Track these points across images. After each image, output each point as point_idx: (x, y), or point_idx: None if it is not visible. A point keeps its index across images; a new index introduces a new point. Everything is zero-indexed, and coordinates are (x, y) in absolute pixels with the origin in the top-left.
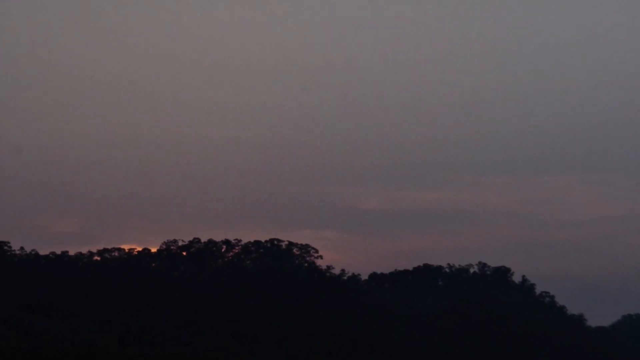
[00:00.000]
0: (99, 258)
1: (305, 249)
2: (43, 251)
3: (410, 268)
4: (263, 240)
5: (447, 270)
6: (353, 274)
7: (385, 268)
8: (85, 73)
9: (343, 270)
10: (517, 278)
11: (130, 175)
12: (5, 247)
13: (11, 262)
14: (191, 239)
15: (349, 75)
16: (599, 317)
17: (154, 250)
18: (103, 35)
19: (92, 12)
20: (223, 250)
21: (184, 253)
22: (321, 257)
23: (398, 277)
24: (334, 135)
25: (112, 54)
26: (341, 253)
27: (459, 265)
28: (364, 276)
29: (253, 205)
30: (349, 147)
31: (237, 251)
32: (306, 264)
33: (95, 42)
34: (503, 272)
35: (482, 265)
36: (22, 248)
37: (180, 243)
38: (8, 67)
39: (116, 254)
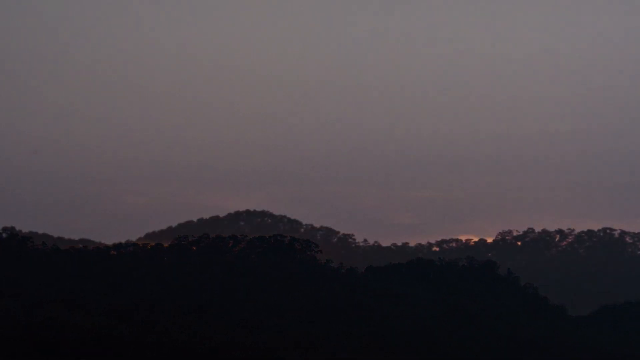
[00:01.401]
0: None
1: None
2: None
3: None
4: (596, 230)
5: (438, 264)
6: (350, 267)
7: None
8: None
9: (341, 264)
10: (502, 271)
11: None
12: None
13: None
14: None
15: None
16: (579, 307)
17: (489, 240)
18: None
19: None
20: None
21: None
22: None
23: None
24: None
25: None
26: None
27: (449, 259)
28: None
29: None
30: None
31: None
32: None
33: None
34: (490, 266)
35: (471, 260)
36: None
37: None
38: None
39: (454, 244)
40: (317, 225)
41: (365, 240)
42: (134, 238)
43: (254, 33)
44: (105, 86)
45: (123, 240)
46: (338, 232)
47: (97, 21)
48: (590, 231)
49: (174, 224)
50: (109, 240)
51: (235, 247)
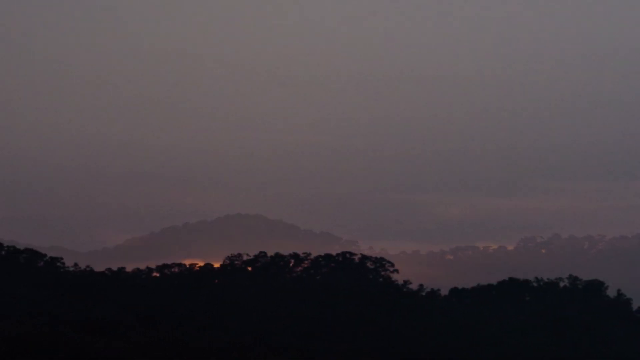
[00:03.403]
0: (157, 274)
1: (380, 262)
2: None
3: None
4: (334, 254)
5: (535, 284)
6: (432, 289)
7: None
8: None
9: (421, 286)
10: (611, 292)
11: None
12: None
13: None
14: (257, 252)
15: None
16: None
17: (217, 265)
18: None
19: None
20: (291, 264)
21: (249, 268)
22: (397, 271)
23: (481, 292)
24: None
25: None
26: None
27: (548, 279)
28: (444, 291)
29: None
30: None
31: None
32: (381, 279)
33: None
34: (596, 286)
35: (573, 279)
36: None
37: (244, 257)
38: None
39: (176, 269)
40: (317, 230)
41: (370, 248)
42: (112, 245)
43: (249, 28)
44: (82, 81)
45: (99, 248)
46: (341, 239)
47: (71, 13)
48: (623, 237)
49: (156, 230)
50: (84, 248)
51: (297, 266)
